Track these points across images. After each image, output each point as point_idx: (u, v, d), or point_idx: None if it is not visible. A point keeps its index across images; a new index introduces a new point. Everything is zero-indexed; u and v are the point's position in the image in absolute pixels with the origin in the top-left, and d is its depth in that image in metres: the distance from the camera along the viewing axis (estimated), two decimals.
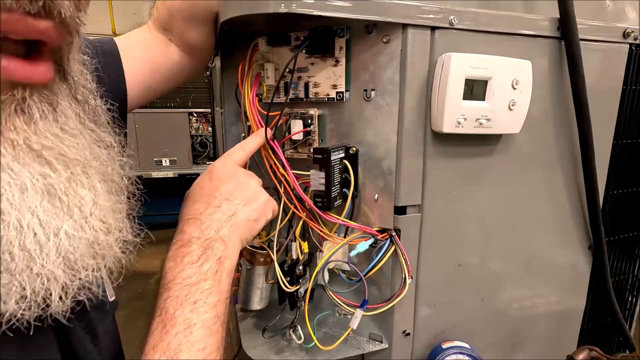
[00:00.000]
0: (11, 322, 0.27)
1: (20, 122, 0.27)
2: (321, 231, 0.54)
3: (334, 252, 0.52)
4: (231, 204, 0.47)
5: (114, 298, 0.44)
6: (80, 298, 0.31)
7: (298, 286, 0.55)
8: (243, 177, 0.49)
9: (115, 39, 0.58)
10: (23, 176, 0.27)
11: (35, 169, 0.27)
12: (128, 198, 0.38)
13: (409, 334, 0.57)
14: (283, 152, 0.53)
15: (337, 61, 0.51)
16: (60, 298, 0.29)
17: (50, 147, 0.28)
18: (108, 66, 0.54)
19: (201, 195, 0.48)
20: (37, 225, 0.27)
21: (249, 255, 0.57)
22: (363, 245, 0.51)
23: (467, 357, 0.55)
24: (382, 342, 0.57)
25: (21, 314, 0.27)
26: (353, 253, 0.52)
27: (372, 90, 0.50)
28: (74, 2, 0.27)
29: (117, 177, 0.36)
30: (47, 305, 0.28)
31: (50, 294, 0.28)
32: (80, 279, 0.30)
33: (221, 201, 0.47)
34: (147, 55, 0.59)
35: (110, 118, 0.39)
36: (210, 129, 3.77)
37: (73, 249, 0.29)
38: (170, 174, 3.67)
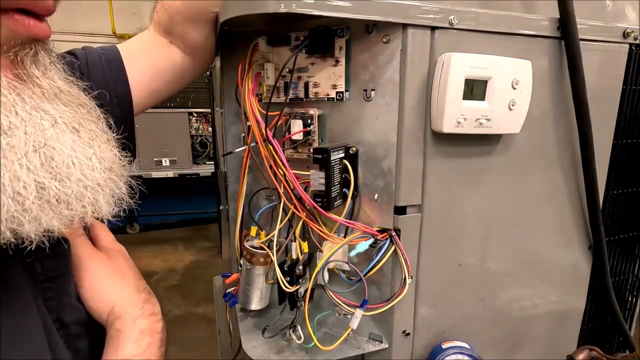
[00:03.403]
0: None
1: (39, 72, 0.33)
2: (321, 231, 0.54)
3: (334, 252, 0.52)
4: None
5: None
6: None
7: (298, 286, 0.55)
8: None
9: (118, 45, 0.59)
10: (53, 113, 0.33)
11: (60, 108, 0.34)
12: None
13: (409, 334, 0.57)
14: (283, 151, 0.53)
15: (337, 61, 0.51)
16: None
17: (64, 91, 0.35)
18: (112, 73, 0.56)
19: (137, 271, 0.52)
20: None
21: (249, 256, 0.57)
22: (363, 245, 0.51)
23: (467, 357, 0.55)
24: (382, 342, 0.57)
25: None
26: (353, 253, 0.52)
27: (372, 90, 0.50)
28: None
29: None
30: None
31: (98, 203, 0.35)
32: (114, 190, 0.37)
33: None
34: (150, 59, 0.59)
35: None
36: (210, 128, 3.77)
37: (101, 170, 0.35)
38: (170, 174, 3.68)
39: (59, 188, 0.31)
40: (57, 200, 0.31)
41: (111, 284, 0.46)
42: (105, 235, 0.51)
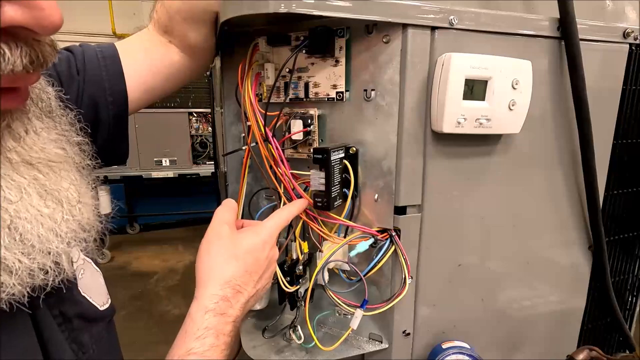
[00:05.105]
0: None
1: (13, 142, 0.32)
2: (321, 231, 0.54)
3: (334, 252, 0.52)
4: (262, 282, 0.51)
5: (106, 306, 0.46)
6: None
7: (298, 286, 0.55)
8: (276, 255, 0.52)
9: (116, 43, 0.59)
10: (22, 182, 0.32)
11: (30, 175, 0.33)
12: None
13: (409, 334, 0.57)
14: (283, 151, 0.53)
15: (337, 61, 0.51)
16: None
17: (37, 157, 0.34)
18: (109, 70, 0.56)
19: (254, 264, 0.49)
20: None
21: None
22: (363, 245, 0.51)
23: (467, 357, 0.55)
24: (382, 342, 0.57)
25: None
26: (353, 253, 0.52)
27: (372, 90, 0.50)
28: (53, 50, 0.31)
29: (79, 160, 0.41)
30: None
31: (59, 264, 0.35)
32: (81, 250, 0.38)
33: (260, 281, 0.50)
34: (147, 57, 0.59)
35: (64, 107, 0.43)
36: (210, 129, 3.77)
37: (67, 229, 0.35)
38: (170, 174, 3.68)
39: (23, 262, 0.32)
40: (18, 269, 0.32)
41: (221, 256, 0.46)
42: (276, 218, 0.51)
